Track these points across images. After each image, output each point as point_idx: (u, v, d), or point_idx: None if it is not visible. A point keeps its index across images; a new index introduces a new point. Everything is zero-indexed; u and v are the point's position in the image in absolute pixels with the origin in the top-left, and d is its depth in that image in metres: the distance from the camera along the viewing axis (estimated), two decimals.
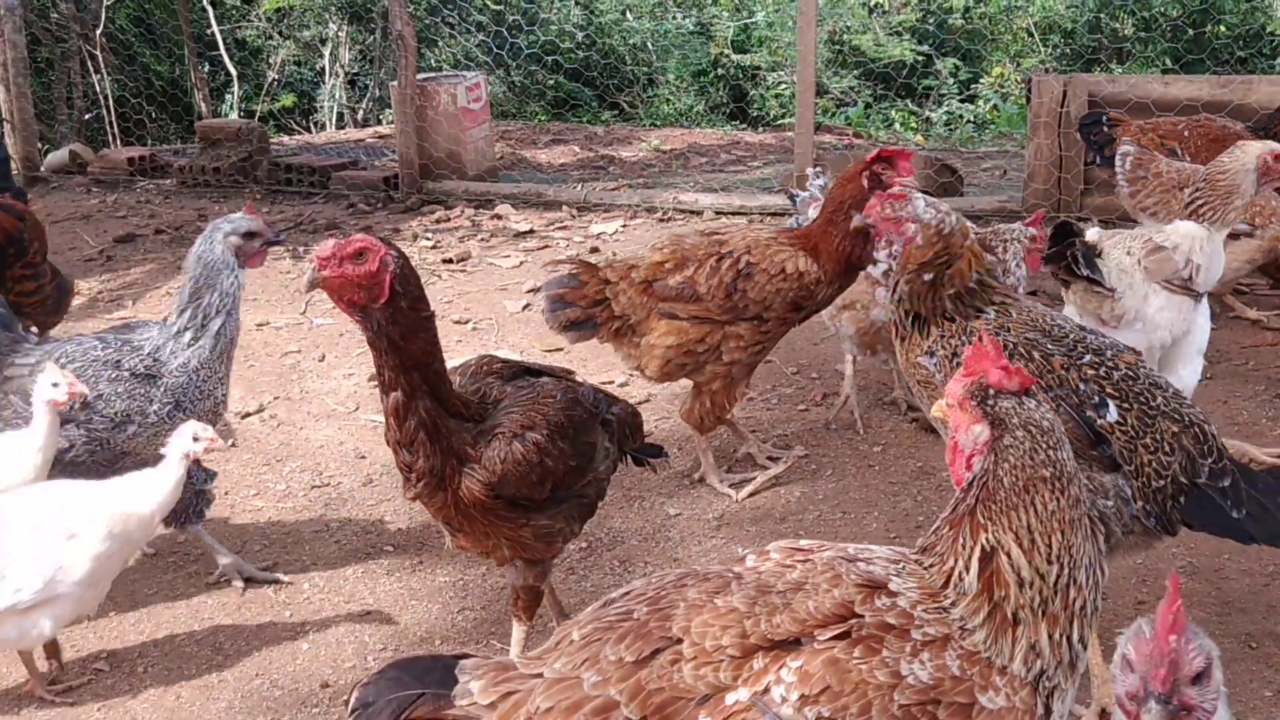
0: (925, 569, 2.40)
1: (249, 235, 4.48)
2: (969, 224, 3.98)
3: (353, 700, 2.30)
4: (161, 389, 4.38)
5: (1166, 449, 3.44)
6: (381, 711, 2.27)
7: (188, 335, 4.41)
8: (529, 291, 7.79)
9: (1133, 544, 3.57)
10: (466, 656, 2.38)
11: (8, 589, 3.67)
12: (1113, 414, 3.47)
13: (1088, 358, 3.57)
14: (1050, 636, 2.31)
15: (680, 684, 2.21)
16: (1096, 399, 3.48)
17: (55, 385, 4.09)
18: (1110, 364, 3.57)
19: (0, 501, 3.88)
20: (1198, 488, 3.43)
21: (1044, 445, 2.37)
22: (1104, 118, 7.33)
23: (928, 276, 3.81)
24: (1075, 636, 2.35)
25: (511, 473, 3.46)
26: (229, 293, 4.44)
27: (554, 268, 5.33)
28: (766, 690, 2.19)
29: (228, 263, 4.43)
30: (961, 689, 2.22)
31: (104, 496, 3.86)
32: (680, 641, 2.26)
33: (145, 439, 4.36)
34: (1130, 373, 3.57)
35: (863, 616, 2.29)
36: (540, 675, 2.29)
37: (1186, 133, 7.10)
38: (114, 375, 4.36)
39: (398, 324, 3.25)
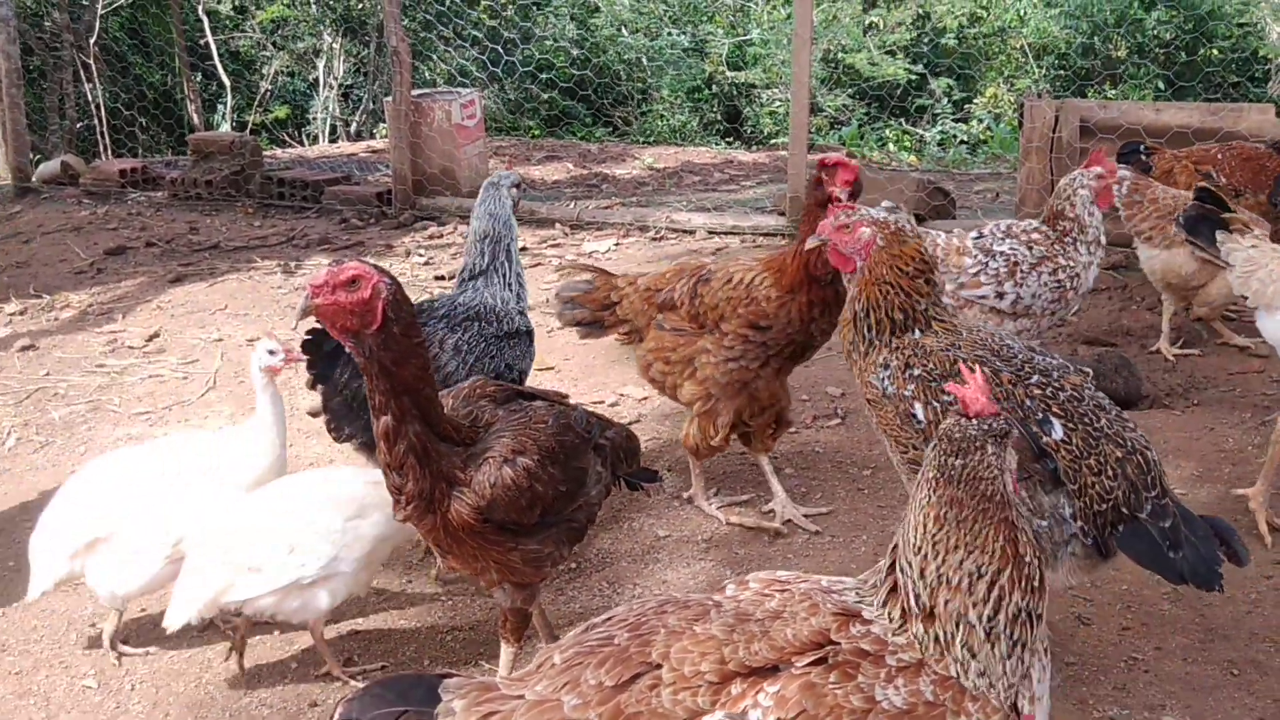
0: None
1: (517, 186, 5.22)
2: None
3: (336, 716, 2.33)
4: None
5: (1110, 474, 3.52)
6: None
7: (503, 279, 5.04)
8: None
9: (1072, 565, 3.62)
10: (451, 676, 2.41)
11: (296, 562, 3.92)
12: (1058, 432, 3.55)
13: (1035, 377, 3.66)
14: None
15: (659, 708, 2.25)
16: (1041, 415, 3.57)
17: (272, 353, 4.33)
18: (1056, 384, 3.65)
19: (291, 482, 4.23)
20: (1138, 520, 3.52)
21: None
22: (1142, 147, 7.41)
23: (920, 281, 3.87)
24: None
25: (501, 497, 3.48)
26: (515, 238, 5.14)
27: (570, 272, 5.40)
28: (744, 714, 2.23)
29: (509, 215, 5.12)
30: (935, 714, 2.27)
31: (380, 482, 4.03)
32: (659, 667, 2.30)
33: None
34: (1075, 394, 3.64)
35: (839, 644, 2.33)
36: (522, 697, 2.33)
37: (1220, 155, 7.22)
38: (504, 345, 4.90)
39: (390, 350, 3.27)
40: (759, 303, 4.88)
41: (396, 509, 3.52)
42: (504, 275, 5.03)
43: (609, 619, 2.48)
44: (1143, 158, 7.36)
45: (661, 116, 17.27)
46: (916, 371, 3.72)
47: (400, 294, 3.29)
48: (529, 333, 5.03)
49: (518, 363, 4.94)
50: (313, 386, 4.72)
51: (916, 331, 3.83)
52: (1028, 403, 3.59)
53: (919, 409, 3.68)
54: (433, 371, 3.43)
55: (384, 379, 3.29)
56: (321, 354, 4.59)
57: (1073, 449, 3.54)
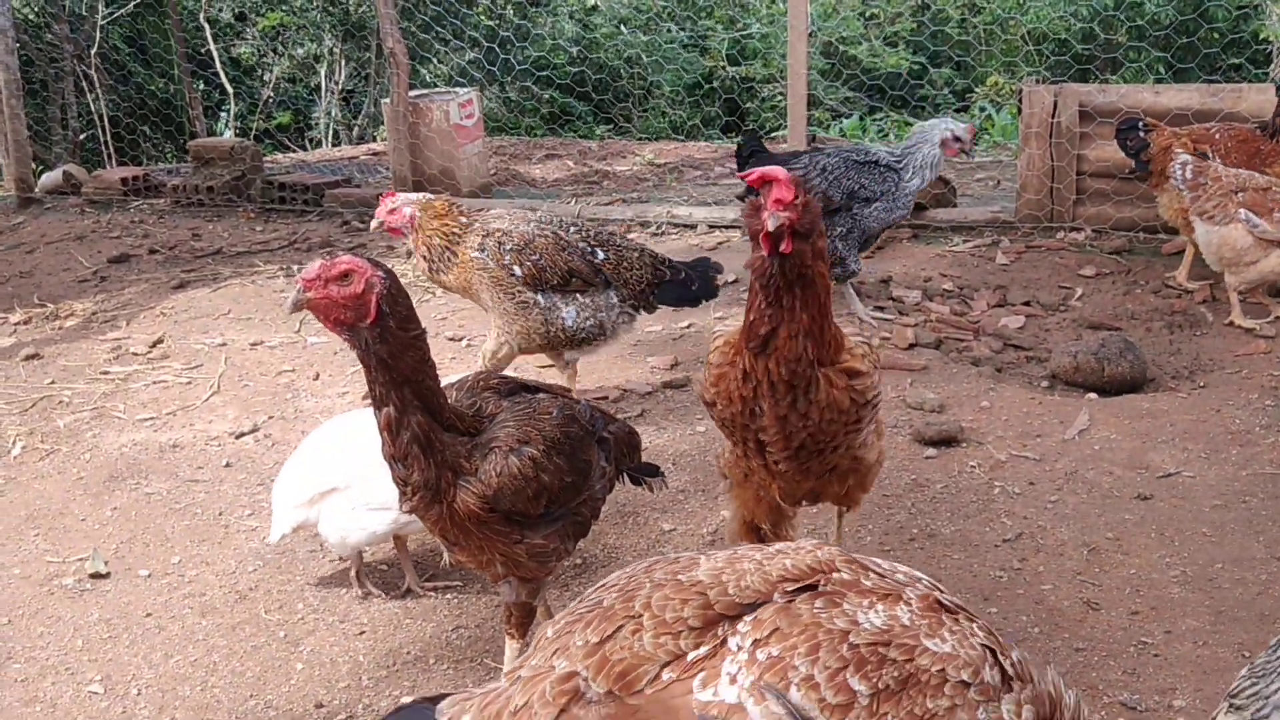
0: None
1: (956, 139, 7.01)
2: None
3: None
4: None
5: (637, 267, 5.81)
6: None
7: (910, 173, 7.04)
8: None
9: (624, 328, 5.88)
10: (444, 697, 2.41)
11: None
12: (600, 256, 5.74)
13: (572, 229, 5.80)
14: None
15: (641, 651, 2.23)
16: (589, 247, 5.74)
17: None
18: (585, 228, 5.86)
19: None
20: (664, 282, 5.86)
21: None
22: (1140, 123, 7.44)
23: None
24: None
25: (507, 486, 3.49)
26: (930, 159, 7.05)
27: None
28: (723, 643, 2.22)
29: (934, 146, 7.02)
30: (909, 635, 2.26)
31: None
32: (641, 616, 2.29)
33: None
34: (600, 231, 5.90)
35: (838, 573, 2.35)
36: (519, 678, 2.32)
37: (1217, 135, 7.35)
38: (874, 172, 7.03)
39: (386, 343, 3.27)
40: (705, 375, 3.85)
41: (402, 501, 3.54)
42: (908, 162, 7.03)
43: (601, 585, 2.48)
44: (1141, 135, 7.37)
45: (662, 112, 17.24)
46: (509, 245, 5.66)
47: (395, 286, 3.28)
48: (888, 166, 7.00)
49: (870, 185, 6.99)
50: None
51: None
52: (578, 243, 5.73)
53: (518, 270, 5.63)
54: (433, 363, 3.43)
55: (382, 371, 3.30)
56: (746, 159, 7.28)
57: (611, 262, 5.75)
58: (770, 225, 3.29)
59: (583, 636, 2.29)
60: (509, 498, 3.51)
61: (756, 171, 3.40)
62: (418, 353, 3.35)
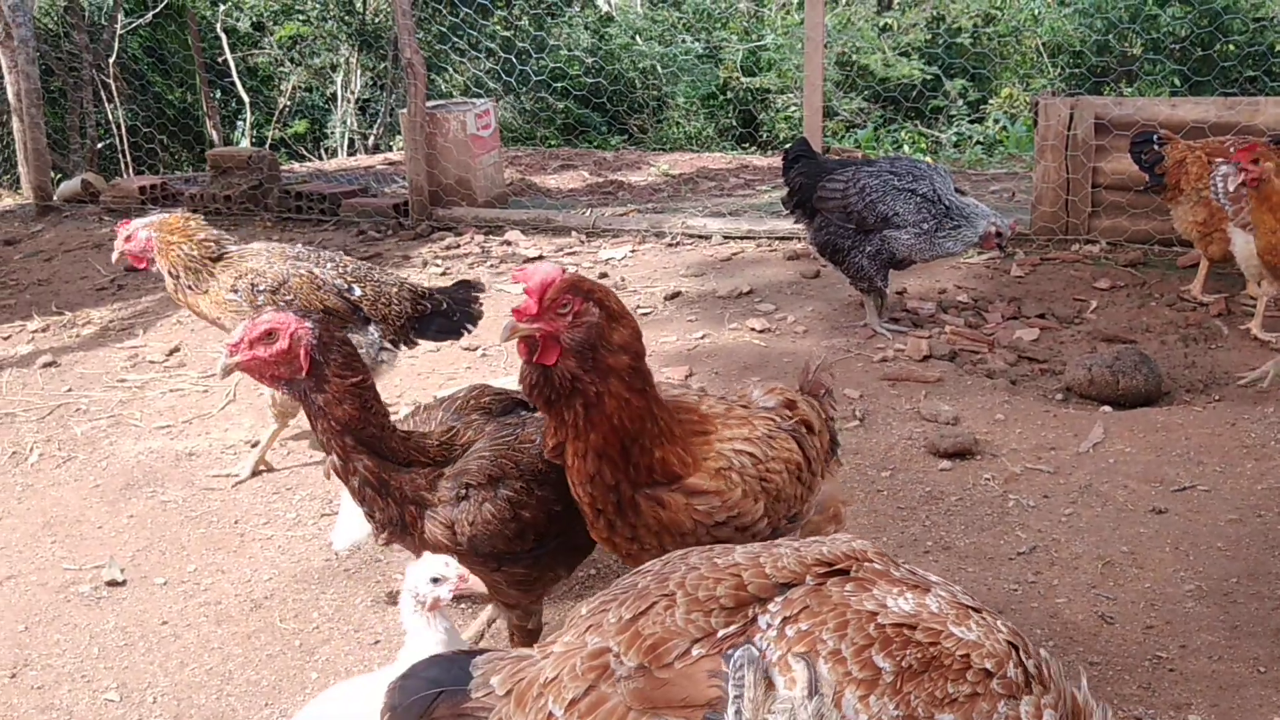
0: None
1: (997, 234, 6.78)
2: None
3: (383, 704, 2.43)
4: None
5: (396, 302, 5.67)
6: (404, 715, 2.39)
7: (949, 238, 6.84)
8: None
9: (387, 363, 5.72)
10: (483, 652, 2.48)
11: None
12: (357, 292, 5.63)
13: (329, 265, 5.68)
14: None
15: (672, 626, 2.29)
16: (345, 284, 5.62)
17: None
18: (343, 264, 5.72)
19: None
20: (425, 316, 5.74)
21: None
22: (1155, 136, 7.42)
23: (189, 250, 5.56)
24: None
25: (482, 533, 3.43)
26: (970, 239, 6.82)
27: None
28: (754, 620, 2.29)
29: (977, 234, 6.78)
30: (936, 621, 2.32)
31: None
32: (675, 594, 2.35)
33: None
34: (358, 267, 5.77)
35: (870, 563, 2.42)
36: (550, 654, 2.39)
37: (1232, 149, 7.24)
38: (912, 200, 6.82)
39: (323, 391, 3.28)
40: None
41: (376, 534, 3.56)
42: (954, 225, 6.78)
43: (637, 571, 2.54)
44: (1155, 148, 7.35)
45: (677, 123, 17.27)
46: (262, 285, 5.49)
47: (327, 335, 3.29)
48: (925, 198, 6.75)
49: (904, 214, 6.77)
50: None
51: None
52: (335, 281, 5.59)
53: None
54: (377, 408, 3.39)
55: (321, 420, 3.31)
56: (792, 163, 7.16)
57: (369, 298, 5.61)
58: (500, 338, 2.96)
59: (616, 614, 2.35)
60: (487, 542, 3.44)
61: (518, 279, 3.04)
62: (356, 400, 3.31)
